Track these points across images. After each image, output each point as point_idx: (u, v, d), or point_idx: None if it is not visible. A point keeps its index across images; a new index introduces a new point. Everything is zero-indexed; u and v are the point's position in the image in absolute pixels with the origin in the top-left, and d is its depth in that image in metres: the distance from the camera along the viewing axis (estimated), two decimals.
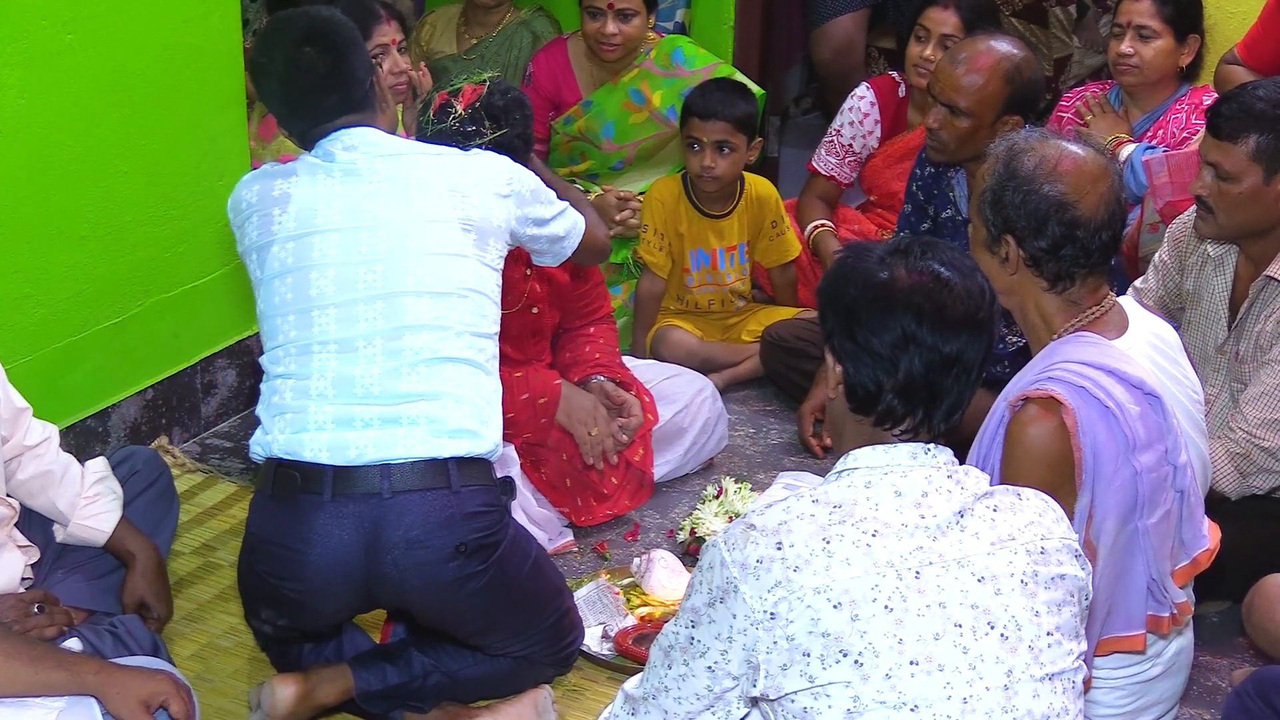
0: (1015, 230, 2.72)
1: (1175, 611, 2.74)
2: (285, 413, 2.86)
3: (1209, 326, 3.55)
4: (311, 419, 2.83)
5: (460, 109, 3.39)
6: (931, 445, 2.22)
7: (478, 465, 2.88)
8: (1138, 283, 3.75)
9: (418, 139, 3.51)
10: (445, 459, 2.82)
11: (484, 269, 2.97)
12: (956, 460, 2.24)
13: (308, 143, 3.03)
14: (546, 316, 3.90)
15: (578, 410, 3.77)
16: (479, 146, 3.28)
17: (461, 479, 2.83)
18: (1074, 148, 2.77)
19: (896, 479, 2.16)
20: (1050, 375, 2.61)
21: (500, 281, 3.03)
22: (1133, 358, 2.70)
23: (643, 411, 3.94)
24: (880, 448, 2.21)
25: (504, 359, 3.81)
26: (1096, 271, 2.75)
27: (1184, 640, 2.86)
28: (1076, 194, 2.70)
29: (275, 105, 3.08)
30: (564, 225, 3.24)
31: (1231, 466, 3.37)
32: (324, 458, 2.80)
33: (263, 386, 2.94)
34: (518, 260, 3.62)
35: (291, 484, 2.82)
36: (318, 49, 2.97)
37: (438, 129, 3.41)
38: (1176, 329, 3.51)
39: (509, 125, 3.40)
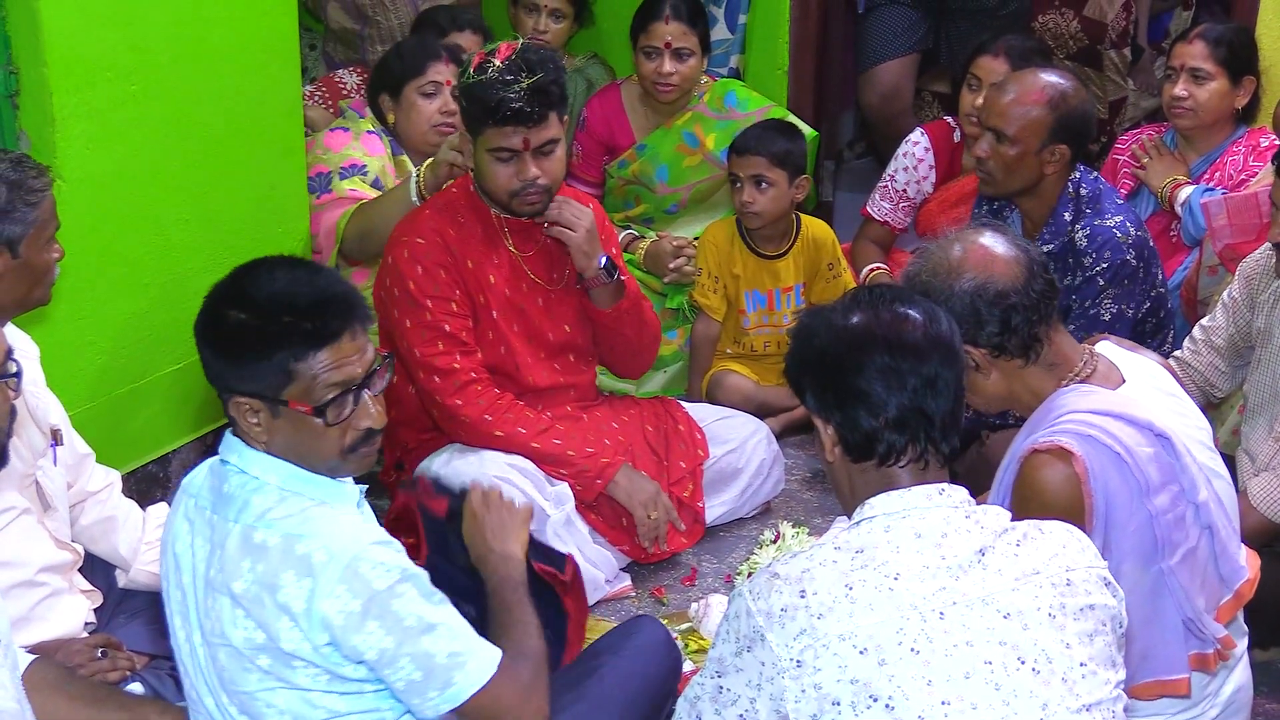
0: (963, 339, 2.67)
1: (1220, 647, 2.72)
2: None
3: (1279, 364, 3.51)
4: None
5: (498, 62, 3.48)
6: (946, 486, 2.23)
7: None
8: (1205, 321, 3.72)
9: (459, 95, 3.62)
10: None
11: (308, 699, 2.31)
12: (973, 500, 2.25)
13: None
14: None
15: (639, 492, 3.77)
16: (518, 93, 3.41)
17: None
18: (955, 239, 2.75)
19: (915, 521, 2.18)
20: (1056, 429, 2.61)
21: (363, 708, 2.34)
22: (1139, 401, 2.69)
23: (693, 448, 3.96)
24: (895, 493, 2.22)
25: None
26: (1053, 324, 2.73)
27: (1241, 679, 2.83)
28: (986, 272, 2.68)
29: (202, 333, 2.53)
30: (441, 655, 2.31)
31: None
32: None
33: None
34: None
35: None
36: (302, 277, 2.46)
37: (478, 80, 3.50)
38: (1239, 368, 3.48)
39: (544, 72, 3.48)
